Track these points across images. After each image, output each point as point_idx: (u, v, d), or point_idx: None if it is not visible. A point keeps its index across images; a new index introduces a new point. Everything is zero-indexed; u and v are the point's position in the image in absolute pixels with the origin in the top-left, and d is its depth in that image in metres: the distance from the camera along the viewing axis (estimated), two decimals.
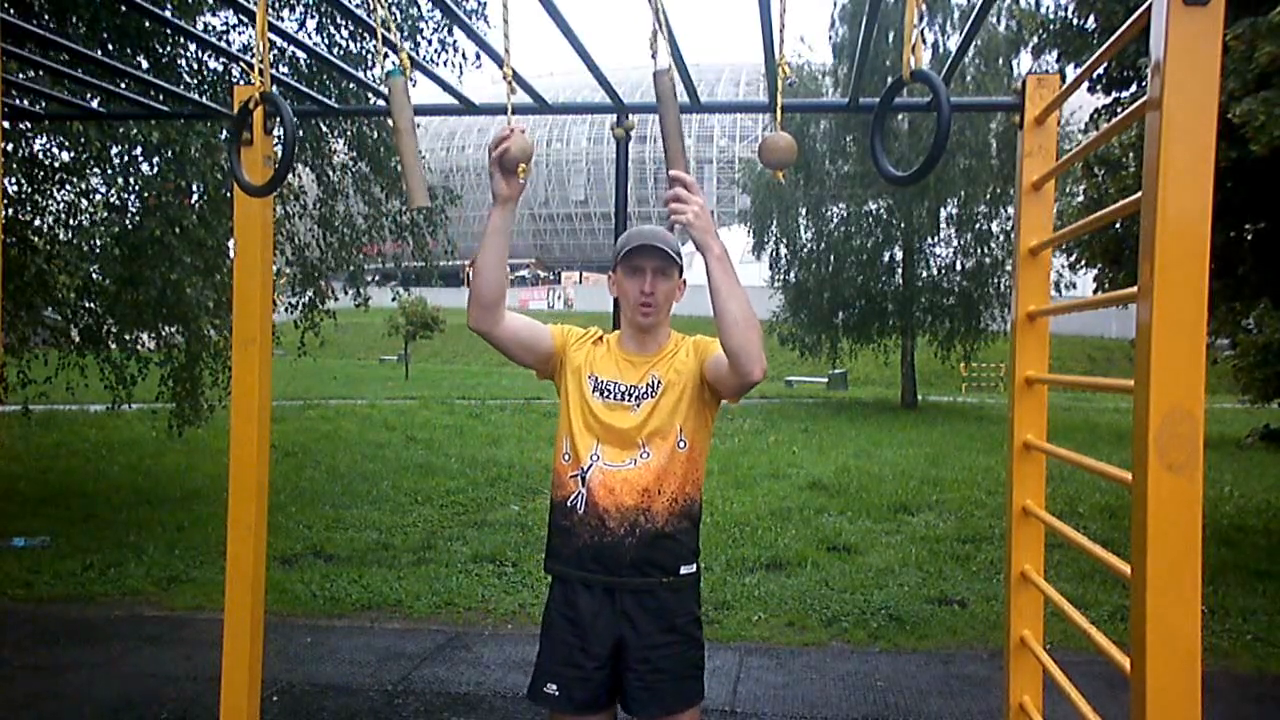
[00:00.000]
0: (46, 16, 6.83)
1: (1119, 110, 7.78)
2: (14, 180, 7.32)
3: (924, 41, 1.84)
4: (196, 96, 4.13)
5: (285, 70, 8.19)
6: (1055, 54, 8.28)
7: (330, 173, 10.31)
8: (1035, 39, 8.59)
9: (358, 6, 2.62)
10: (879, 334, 21.78)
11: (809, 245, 21.89)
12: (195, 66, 8.30)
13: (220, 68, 8.24)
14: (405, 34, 9.45)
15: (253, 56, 2.08)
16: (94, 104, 4.41)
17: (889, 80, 2.07)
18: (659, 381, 2.26)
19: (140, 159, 7.93)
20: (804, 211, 21.90)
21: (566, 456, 2.27)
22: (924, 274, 21.40)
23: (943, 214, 21.01)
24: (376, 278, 17.52)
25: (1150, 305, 1.57)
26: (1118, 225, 6.97)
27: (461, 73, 10.71)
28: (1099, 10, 7.10)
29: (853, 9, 20.46)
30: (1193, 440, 1.57)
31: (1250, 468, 12.00)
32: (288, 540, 7.02)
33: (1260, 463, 12.55)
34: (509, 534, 7.45)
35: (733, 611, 5.51)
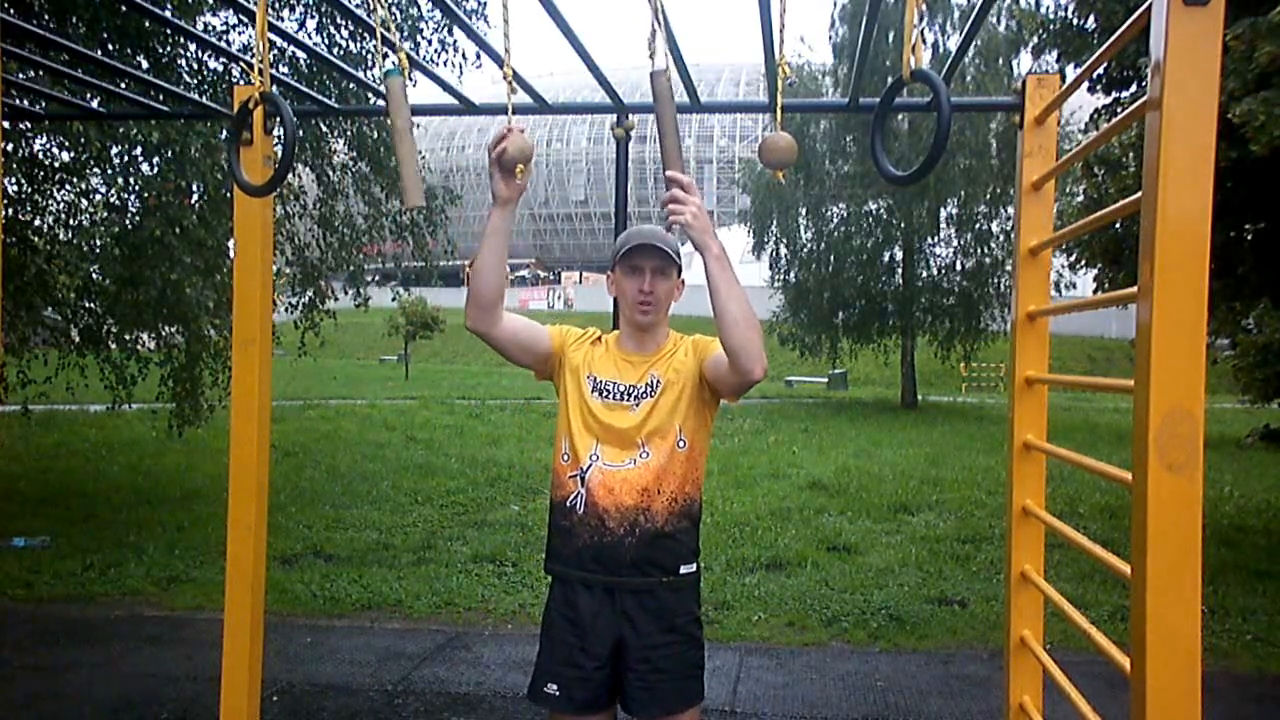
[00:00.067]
0: (46, 16, 6.83)
1: (1119, 110, 7.78)
2: (14, 180, 7.32)
3: (924, 41, 1.84)
4: (196, 96, 4.13)
5: (285, 70, 8.19)
6: (1055, 54, 8.28)
7: (330, 173, 10.31)
8: (1035, 39, 8.59)
9: (358, 6, 2.62)
10: (879, 334, 21.78)
11: (809, 245, 21.89)
12: (195, 66, 8.30)
13: (220, 68, 8.24)
14: (405, 34, 9.45)
15: (253, 56, 2.08)
16: (94, 104, 4.41)
17: (889, 80, 2.07)
18: (658, 381, 2.26)
19: (140, 159, 7.93)
20: (804, 211, 21.90)
21: (566, 457, 2.27)
22: (924, 274, 21.40)
23: (943, 214, 21.01)
24: (376, 278, 17.50)
25: (1150, 305, 1.57)
26: (1118, 225, 6.97)
27: (461, 73, 10.72)
28: (1099, 10, 7.10)
29: (853, 9, 20.45)
30: (1193, 440, 1.57)
31: (1250, 468, 12.00)
32: (288, 540, 7.02)
33: (1260, 463, 12.56)
34: (509, 534, 7.45)
35: (733, 611, 5.51)
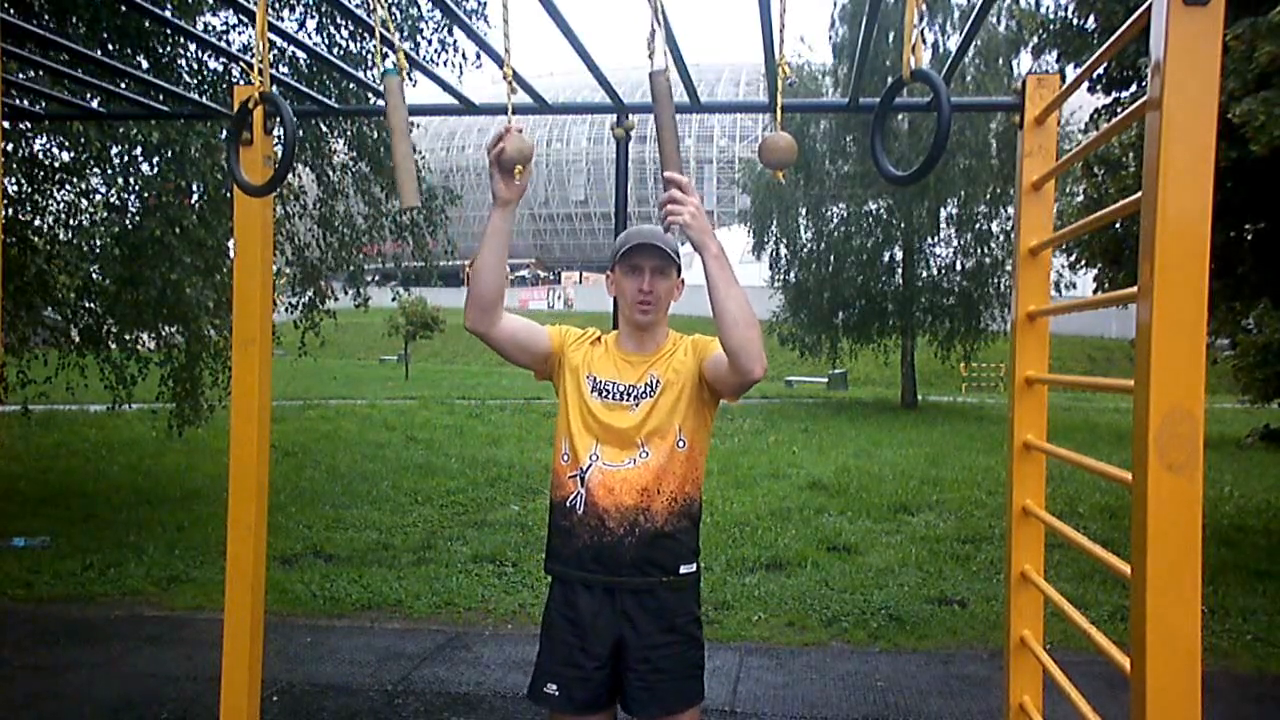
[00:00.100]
0: (46, 16, 6.83)
1: (1119, 110, 7.78)
2: (14, 180, 7.32)
3: (924, 41, 1.84)
4: (196, 96, 4.13)
5: (285, 70, 8.20)
6: (1055, 54, 8.28)
7: (330, 173, 10.31)
8: (1035, 39, 8.59)
9: (358, 6, 2.62)
10: (879, 334, 21.78)
11: (809, 245, 21.89)
12: (195, 66, 8.30)
13: (220, 68, 8.24)
14: (405, 34, 9.45)
15: (253, 56, 2.08)
16: (94, 104, 4.41)
17: (889, 80, 2.07)
18: (658, 381, 2.26)
19: (140, 159, 7.94)
20: (804, 211, 21.90)
21: (565, 457, 2.27)
22: (924, 274, 21.40)
23: (943, 214, 21.01)
24: (376, 278, 17.51)
25: (1150, 305, 1.57)
26: (1118, 225, 6.97)
27: (461, 73, 10.72)
28: (1099, 10, 7.10)
29: (853, 9, 20.45)
30: (1193, 440, 1.57)
31: (1250, 468, 12.00)
32: (288, 540, 7.02)
33: (1260, 463, 12.56)
34: (509, 534, 7.45)
35: (733, 611, 5.51)
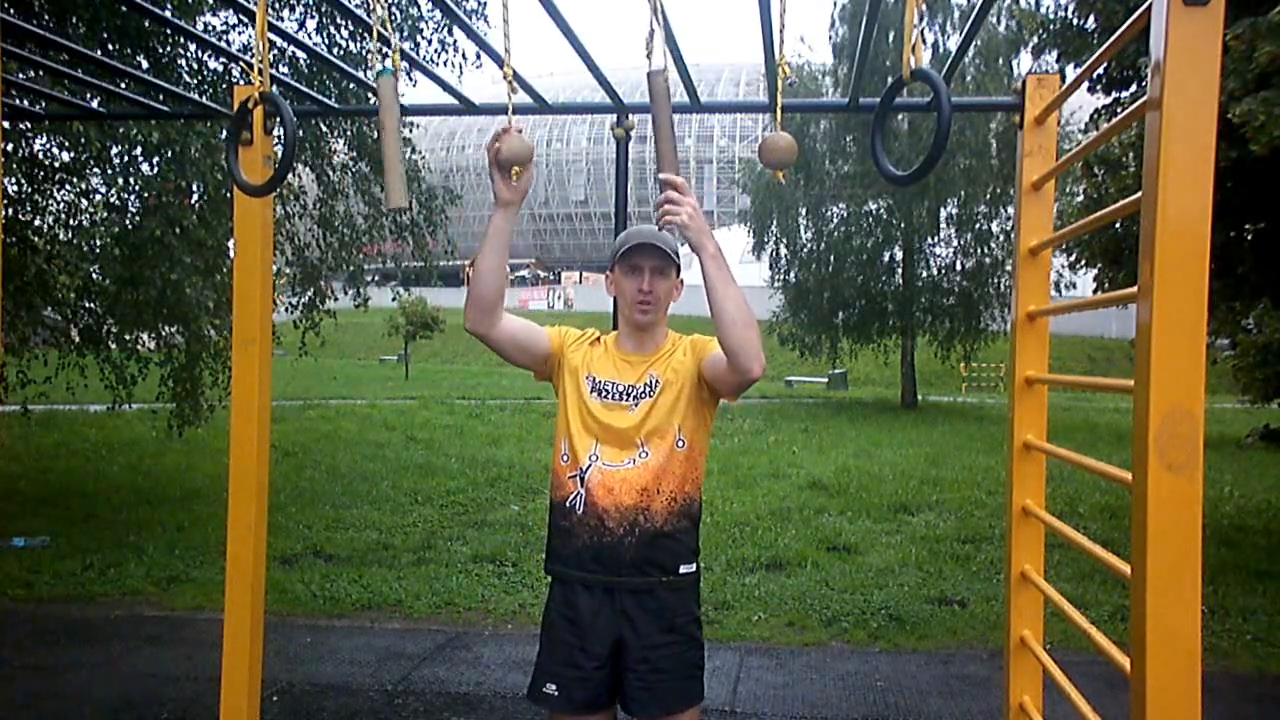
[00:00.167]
0: (46, 16, 6.83)
1: (1119, 110, 7.78)
2: (14, 180, 7.32)
3: (924, 41, 1.84)
4: (196, 96, 4.13)
5: (285, 70, 8.20)
6: (1055, 54, 8.28)
7: (330, 173, 10.31)
8: (1035, 39, 8.59)
9: (358, 6, 2.62)
10: (879, 334, 21.77)
11: (809, 245, 21.88)
12: (195, 66, 8.30)
13: (220, 68, 8.24)
14: (405, 34, 9.45)
15: (253, 56, 2.08)
16: (94, 104, 4.41)
17: (889, 80, 2.07)
18: (657, 381, 2.26)
19: (140, 159, 7.94)
20: (804, 211, 21.90)
21: (565, 457, 2.27)
22: (924, 274, 21.39)
23: (943, 214, 21.01)
24: (376, 278, 17.51)
25: (1150, 305, 1.57)
26: (1118, 225, 6.97)
27: (461, 73, 10.72)
28: (1099, 10, 7.10)
29: (853, 9, 20.45)
30: (1193, 440, 1.57)
31: (1250, 468, 12.00)
32: (288, 540, 7.02)
33: (1260, 463, 12.55)
34: (509, 534, 7.45)
35: (733, 611, 5.51)
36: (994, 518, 8.20)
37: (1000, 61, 19.76)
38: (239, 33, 8.97)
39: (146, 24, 6.95)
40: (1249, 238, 7.10)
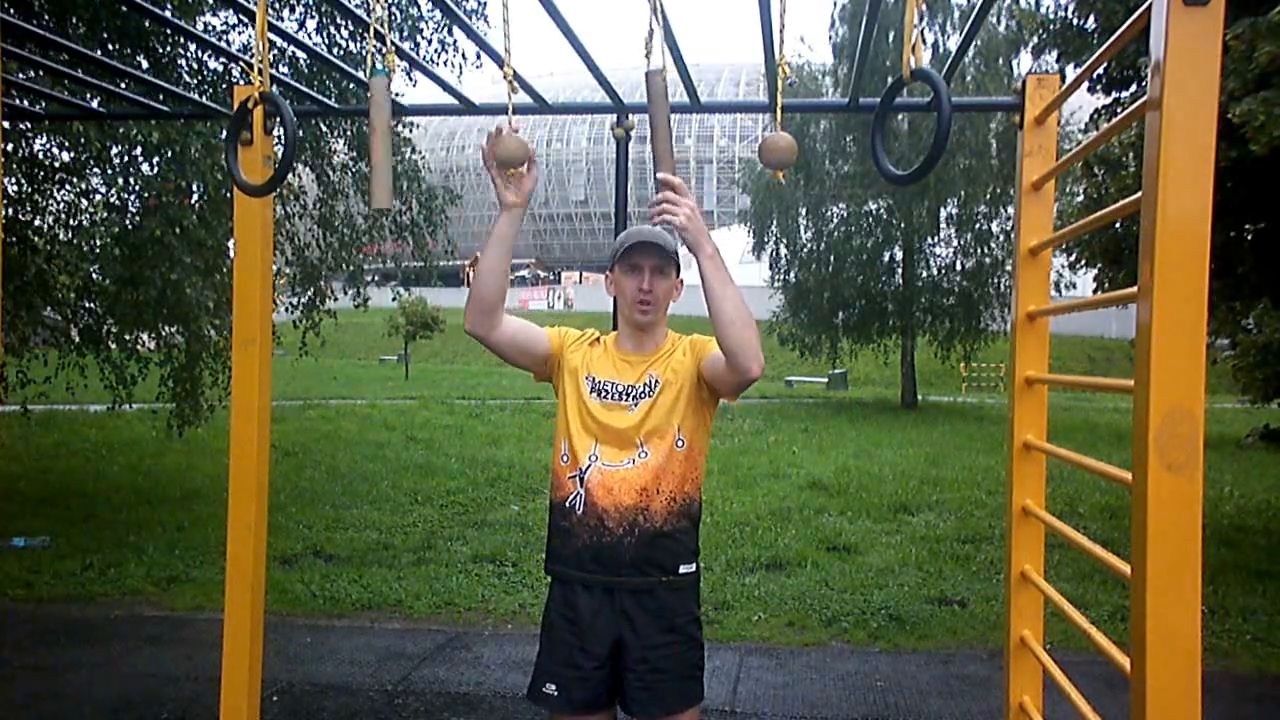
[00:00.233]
0: (46, 16, 6.83)
1: (1119, 110, 7.78)
2: (14, 180, 7.32)
3: (924, 41, 1.84)
4: (196, 96, 4.13)
5: (285, 70, 8.19)
6: (1055, 54, 8.28)
7: (330, 173, 10.31)
8: (1035, 39, 8.59)
9: (358, 6, 2.62)
10: (879, 334, 21.77)
11: (809, 245, 21.88)
12: (195, 66, 8.30)
13: (220, 68, 8.24)
14: (405, 34, 9.45)
15: (252, 56, 2.08)
16: (94, 104, 4.41)
17: (889, 80, 2.07)
18: (656, 380, 2.26)
19: (140, 159, 7.94)
20: (804, 211, 21.90)
21: (565, 458, 2.27)
22: (924, 274, 21.39)
23: (943, 214, 21.01)
24: (376, 278, 17.50)
25: (1150, 305, 1.57)
26: (1118, 225, 6.97)
27: (461, 73, 10.72)
28: (1099, 10, 7.09)
29: (853, 9, 20.45)
30: (1193, 440, 1.57)
31: (1250, 468, 12.00)
32: (288, 540, 7.02)
33: (1260, 463, 12.55)
34: (509, 534, 7.45)
35: (733, 611, 5.51)
36: (994, 518, 8.20)
37: (1000, 61, 19.75)
38: (239, 33, 8.98)
39: (146, 24, 6.95)
40: (1249, 238, 7.10)
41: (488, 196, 2.26)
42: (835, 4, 21.15)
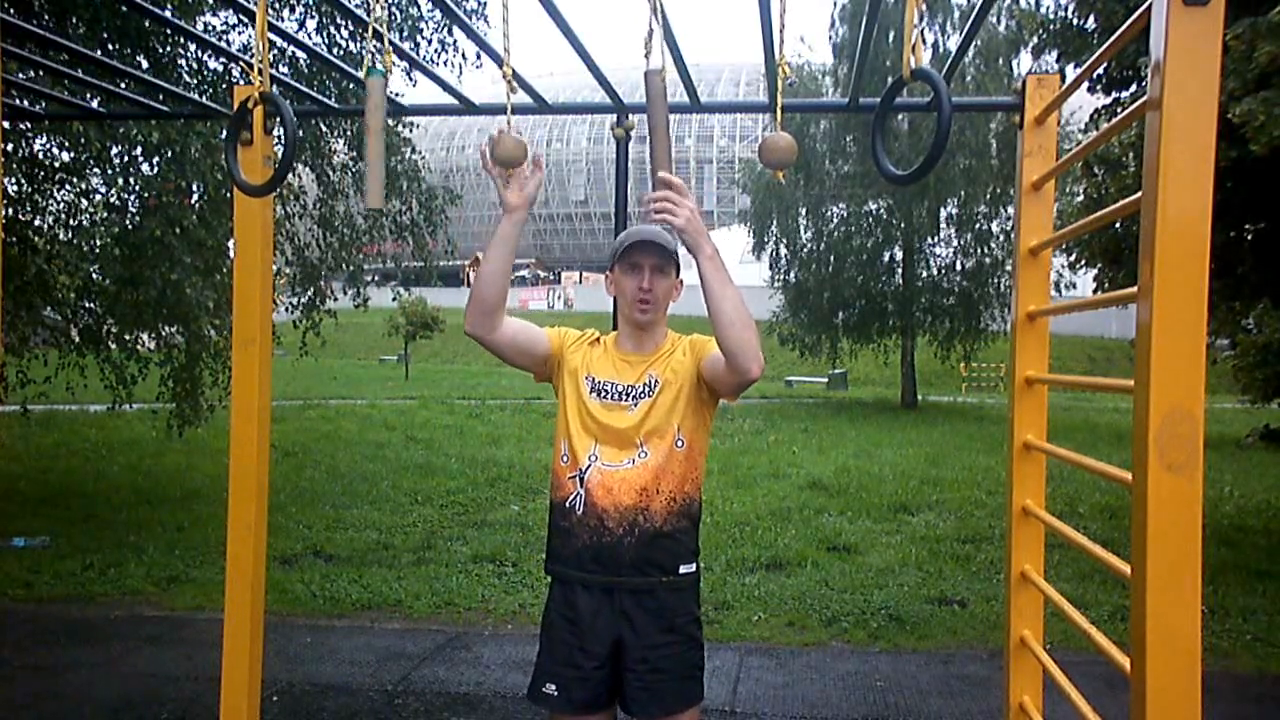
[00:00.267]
0: (46, 16, 6.83)
1: (1119, 110, 7.78)
2: (14, 180, 7.32)
3: (924, 41, 1.84)
4: (196, 96, 4.13)
5: (285, 70, 8.19)
6: (1055, 54, 8.28)
7: (330, 173, 10.31)
8: (1035, 39, 8.60)
9: (358, 6, 2.62)
10: (879, 334, 21.77)
11: (809, 245, 21.88)
12: (195, 66, 8.30)
13: (220, 68, 8.24)
14: (405, 34, 9.45)
15: (252, 56, 2.08)
16: (94, 104, 4.41)
17: (889, 80, 2.07)
18: (656, 380, 2.26)
19: (140, 159, 7.94)
20: (804, 211, 21.89)
21: (565, 458, 2.27)
22: (924, 274, 21.38)
23: (943, 214, 21.00)
24: (376, 278, 17.51)
25: (1150, 305, 1.57)
26: (1118, 225, 6.97)
27: (461, 73, 10.72)
28: (1099, 10, 7.09)
29: (853, 9, 20.45)
30: (1193, 440, 1.57)
31: (1250, 468, 12.00)
32: (288, 540, 7.02)
33: (1260, 463, 12.55)
34: (509, 534, 7.45)
35: (733, 611, 5.51)
36: (994, 518, 8.20)
37: (1000, 61, 19.75)
38: (239, 33, 8.98)
39: (146, 24, 6.95)
40: (1249, 238, 7.10)
41: (488, 196, 2.26)
42: (835, 4, 21.15)
